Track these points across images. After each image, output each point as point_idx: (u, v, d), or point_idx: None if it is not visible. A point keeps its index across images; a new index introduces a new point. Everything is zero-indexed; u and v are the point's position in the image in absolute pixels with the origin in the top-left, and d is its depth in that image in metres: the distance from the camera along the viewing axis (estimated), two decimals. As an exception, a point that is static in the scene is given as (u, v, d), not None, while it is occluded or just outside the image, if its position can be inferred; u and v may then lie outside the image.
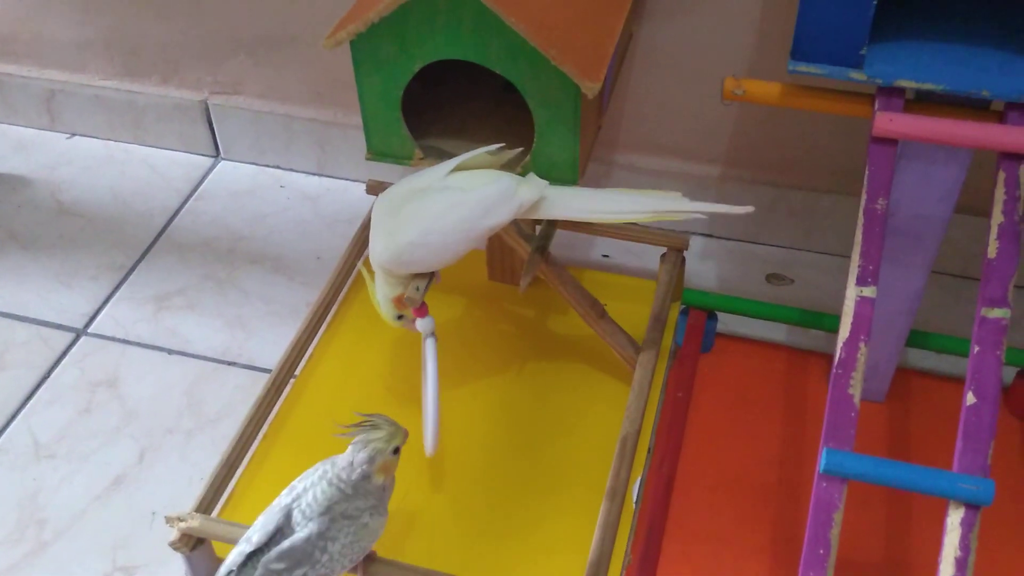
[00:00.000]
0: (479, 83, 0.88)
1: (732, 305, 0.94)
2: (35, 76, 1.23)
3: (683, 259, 0.99)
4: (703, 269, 1.07)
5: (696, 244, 1.09)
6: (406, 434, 0.69)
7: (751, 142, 1.03)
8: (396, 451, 0.68)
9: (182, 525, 0.76)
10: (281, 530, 0.65)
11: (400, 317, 0.77)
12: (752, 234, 1.09)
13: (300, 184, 1.20)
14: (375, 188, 1.04)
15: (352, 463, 0.67)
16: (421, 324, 0.78)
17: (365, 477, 0.67)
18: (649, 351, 0.89)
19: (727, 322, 0.98)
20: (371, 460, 0.66)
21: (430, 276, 0.78)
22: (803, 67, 0.69)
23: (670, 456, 0.86)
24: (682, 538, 0.81)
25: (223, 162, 1.24)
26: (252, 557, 0.65)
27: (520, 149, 0.77)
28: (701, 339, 0.94)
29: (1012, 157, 0.66)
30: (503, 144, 0.76)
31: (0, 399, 0.96)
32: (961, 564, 0.62)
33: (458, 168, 0.75)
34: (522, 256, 0.86)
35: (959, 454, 0.63)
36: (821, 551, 0.64)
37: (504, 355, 0.96)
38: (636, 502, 0.84)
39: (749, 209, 0.74)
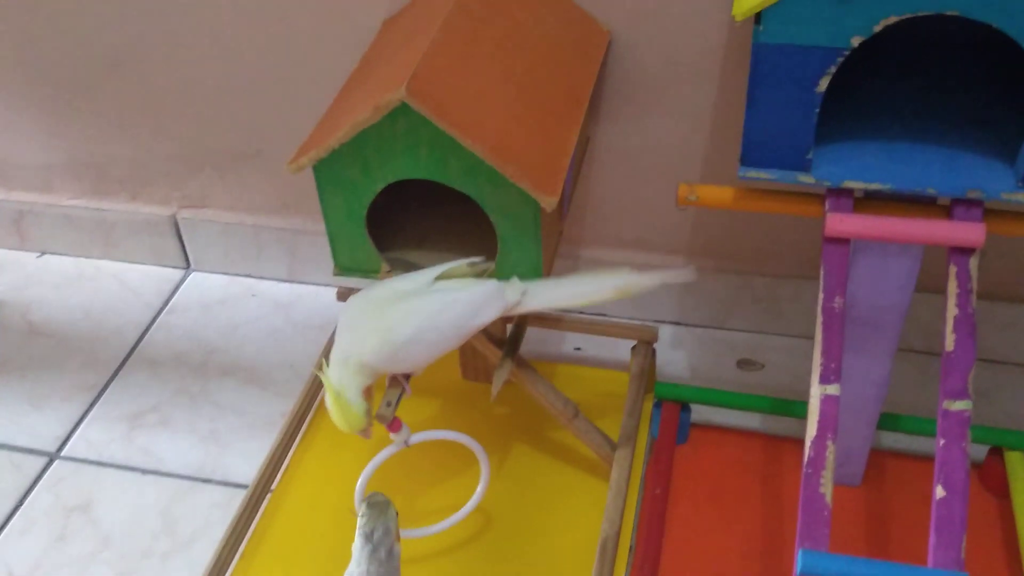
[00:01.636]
0: (442, 190, 0.90)
1: (704, 396, 0.95)
2: (3, 198, 1.24)
3: (654, 351, 1.00)
4: (674, 357, 1.08)
5: (666, 332, 1.11)
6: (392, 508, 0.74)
7: (712, 233, 1.05)
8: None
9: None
10: None
11: (367, 412, 0.75)
12: (720, 320, 1.10)
13: (272, 292, 1.21)
14: (345, 295, 1.05)
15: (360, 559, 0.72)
16: (396, 437, 0.78)
17: (371, 555, 0.71)
18: (625, 448, 0.89)
19: (701, 412, 0.98)
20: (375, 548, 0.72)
21: (400, 391, 0.78)
22: (753, 172, 0.71)
23: (651, 556, 0.86)
24: (668, 640, 0.81)
25: (194, 273, 1.24)
26: None
27: (491, 263, 0.79)
28: (676, 431, 0.95)
29: (962, 251, 0.68)
30: (482, 258, 0.79)
31: (-28, 531, 0.95)
32: (943, 659, 0.62)
33: (440, 277, 0.76)
34: (493, 362, 0.87)
35: (933, 549, 0.63)
36: (804, 654, 0.63)
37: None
38: (620, 605, 0.84)
39: (691, 275, 0.76)
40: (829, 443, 0.66)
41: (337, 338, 0.76)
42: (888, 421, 0.90)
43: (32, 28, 1.07)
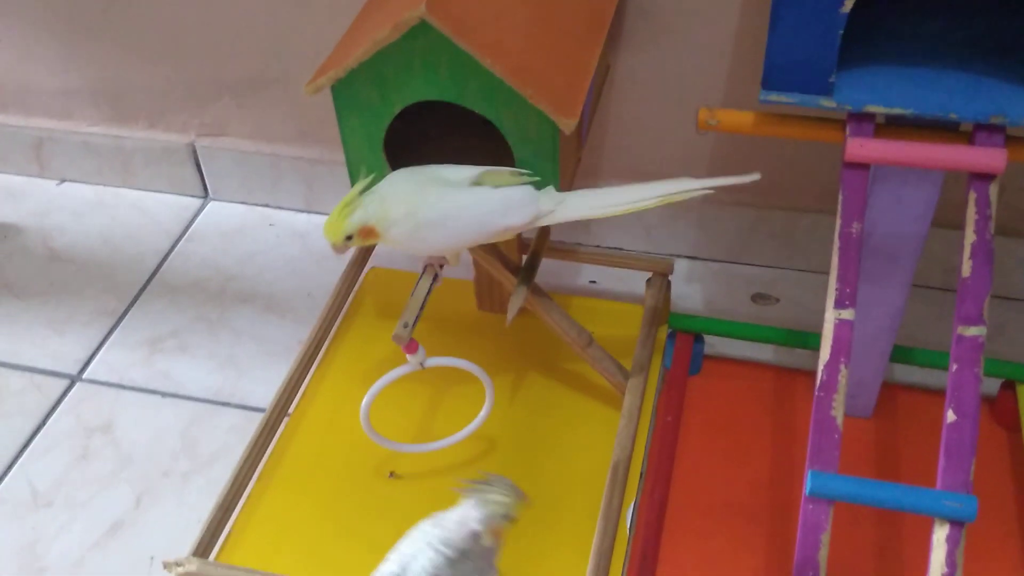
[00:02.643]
0: (459, 118, 0.89)
1: (718, 328, 0.95)
2: (22, 124, 1.25)
3: (668, 283, 1.00)
4: (689, 291, 1.09)
5: (681, 267, 1.11)
6: (524, 500, 0.65)
7: (730, 165, 1.04)
8: (511, 519, 0.64)
9: (179, 570, 0.76)
10: None
11: (349, 238, 0.73)
12: (736, 255, 1.10)
13: (289, 221, 1.21)
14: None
15: (462, 521, 0.63)
16: (411, 358, 0.79)
17: (475, 537, 0.63)
18: (637, 376, 0.90)
19: (714, 344, 0.99)
20: (485, 521, 0.63)
21: (419, 306, 0.79)
22: (774, 96, 0.70)
23: (662, 481, 0.87)
24: (676, 563, 0.82)
25: (212, 202, 1.25)
26: None
27: (536, 177, 0.78)
28: (689, 362, 0.95)
29: (982, 177, 0.68)
30: (526, 172, 0.78)
31: (-3, 448, 0.97)
32: (949, 580, 0.63)
33: (484, 176, 0.76)
34: (509, 289, 0.87)
35: (942, 472, 0.64)
36: (811, 573, 0.64)
37: (494, 385, 0.97)
38: (630, 528, 0.85)
39: (756, 176, 0.73)
40: (842, 367, 0.67)
41: (382, 183, 0.76)
42: (901, 354, 0.90)
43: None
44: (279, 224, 1.21)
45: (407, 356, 0.79)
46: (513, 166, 0.78)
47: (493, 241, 0.79)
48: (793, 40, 0.67)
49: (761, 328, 0.95)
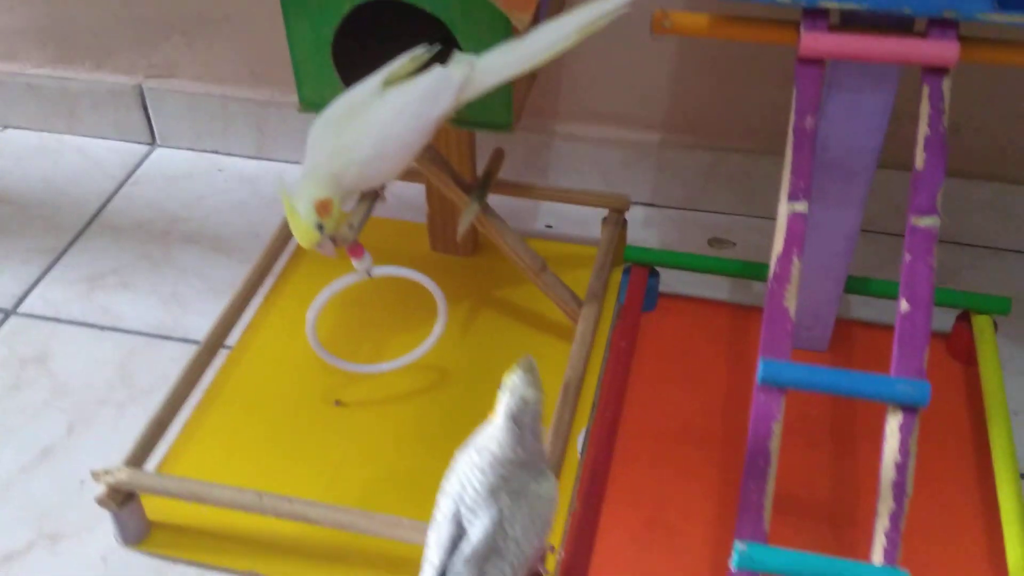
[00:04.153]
0: (409, 29, 0.87)
1: (672, 260, 0.94)
2: (-35, 66, 1.21)
3: (624, 221, 0.99)
4: (645, 236, 1.07)
5: (637, 213, 1.10)
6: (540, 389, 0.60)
7: (688, 107, 1.04)
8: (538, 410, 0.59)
9: (109, 479, 0.73)
10: (457, 540, 0.58)
11: (320, 227, 0.70)
12: (693, 201, 1.09)
13: (239, 167, 1.19)
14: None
15: (494, 431, 0.59)
16: (358, 264, 0.77)
17: (516, 440, 0.58)
18: (591, 305, 0.88)
19: (670, 283, 0.98)
20: (518, 418, 0.58)
21: (367, 208, 0.76)
22: (730, -8, 0.70)
23: (613, 405, 0.85)
24: (626, 485, 0.80)
25: (159, 149, 1.22)
26: None
27: (434, 48, 0.74)
28: (643, 294, 0.94)
29: (935, 72, 0.67)
30: (424, 47, 0.73)
31: (-77, 379, 0.92)
32: (901, 469, 0.61)
33: (387, 80, 0.72)
34: (461, 208, 0.85)
35: (895, 359, 0.63)
36: (761, 462, 0.63)
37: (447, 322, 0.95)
38: (581, 453, 0.83)
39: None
40: (795, 259, 0.65)
41: (305, 159, 0.73)
42: (856, 284, 0.90)
43: None
44: (228, 169, 1.18)
45: (353, 262, 0.77)
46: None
47: (433, 135, 0.74)
48: (748, -69, 0.67)
49: (715, 260, 0.94)
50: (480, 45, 0.74)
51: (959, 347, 0.90)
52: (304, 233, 0.70)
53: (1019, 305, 0.95)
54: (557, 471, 0.76)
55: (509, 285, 0.99)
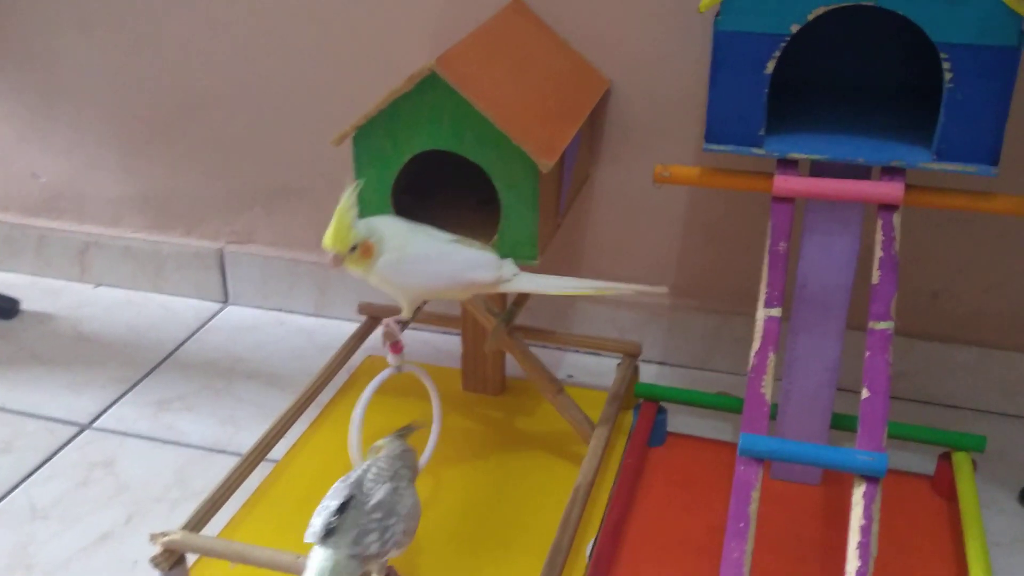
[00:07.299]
0: (458, 202, 1.04)
1: (680, 396, 1.05)
2: (74, 230, 1.41)
3: (637, 366, 1.11)
4: (658, 390, 1.18)
5: (650, 370, 1.21)
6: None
7: (695, 272, 1.18)
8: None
9: (165, 540, 0.82)
10: (354, 497, 0.74)
11: (352, 249, 0.81)
12: (702, 360, 1.21)
13: (299, 323, 1.34)
14: (366, 308, 1.18)
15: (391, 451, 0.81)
16: (393, 359, 0.89)
17: (402, 449, 0.81)
18: (603, 426, 0.98)
19: (678, 424, 1.07)
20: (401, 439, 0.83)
21: (414, 314, 0.89)
22: (714, 147, 0.85)
23: (620, 518, 0.92)
24: (630, 580, 0.87)
25: (231, 307, 1.38)
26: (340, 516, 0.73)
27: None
28: (652, 426, 1.03)
29: (887, 208, 0.81)
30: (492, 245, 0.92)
31: (2, 475, 1.03)
32: (866, 531, 0.69)
33: (458, 239, 0.90)
34: (490, 330, 0.98)
35: (858, 438, 0.72)
36: (742, 524, 0.71)
37: (474, 449, 1.05)
38: (588, 559, 0.90)
39: (663, 289, 0.88)
40: (770, 354, 0.76)
41: (370, 220, 0.86)
42: (842, 421, 0.99)
43: (130, 71, 1.28)
44: (288, 324, 1.33)
45: (389, 358, 0.89)
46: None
47: (462, 293, 0.91)
48: (728, 98, 0.83)
49: (720, 397, 1.04)
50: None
51: (942, 485, 0.97)
52: (342, 237, 0.80)
53: (1000, 459, 1.03)
54: (565, 549, 0.83)
55: (532, 416, 1.10)
